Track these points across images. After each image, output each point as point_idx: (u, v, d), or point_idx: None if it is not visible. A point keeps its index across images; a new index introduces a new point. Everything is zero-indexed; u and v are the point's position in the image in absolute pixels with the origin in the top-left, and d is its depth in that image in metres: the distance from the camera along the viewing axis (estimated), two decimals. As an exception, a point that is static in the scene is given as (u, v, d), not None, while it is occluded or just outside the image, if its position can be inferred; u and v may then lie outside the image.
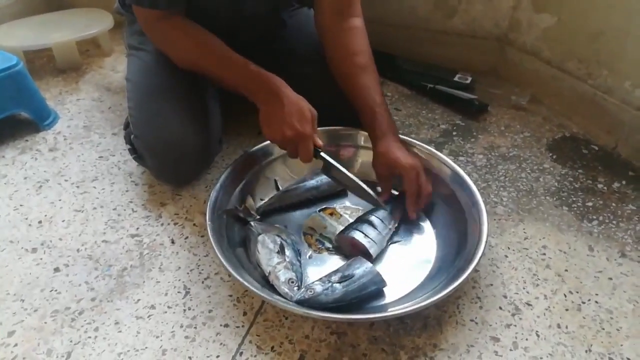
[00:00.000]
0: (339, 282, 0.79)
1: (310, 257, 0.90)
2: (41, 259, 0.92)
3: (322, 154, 0.90)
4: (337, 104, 0.98)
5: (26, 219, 1.00)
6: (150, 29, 0.99)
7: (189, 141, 0.97)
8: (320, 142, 0.90)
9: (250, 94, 0.92)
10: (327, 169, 0.92)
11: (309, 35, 1.10)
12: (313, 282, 0.80)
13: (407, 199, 0.92)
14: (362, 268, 0.81)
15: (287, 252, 0.85)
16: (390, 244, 0.92)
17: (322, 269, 0.87)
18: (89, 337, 0.79)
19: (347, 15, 1.03)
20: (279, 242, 0.86)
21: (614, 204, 1.06)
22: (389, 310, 0.79)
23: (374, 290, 0.81)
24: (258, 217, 0.94)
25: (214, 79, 0.99)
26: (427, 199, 0.93)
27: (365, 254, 0.85)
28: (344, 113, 1.00)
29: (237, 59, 0.93)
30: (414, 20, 1.53)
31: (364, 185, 0.91)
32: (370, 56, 1.02)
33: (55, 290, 0.86)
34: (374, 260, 0.87)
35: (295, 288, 0.80)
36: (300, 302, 0.77)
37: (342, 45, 1.02)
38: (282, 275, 0.81)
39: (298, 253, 0.88)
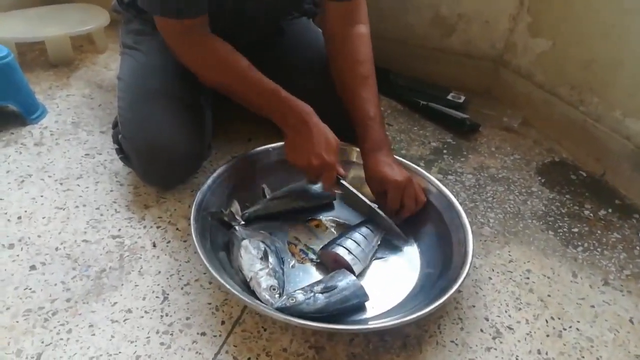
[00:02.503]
0: (322, 293, 0.78)
1: (293, 266, 0.89)
2: (18, 255, 0.90)
3: (343, 182, 0.93)
4: (334, 117, 0.98)
5: (5, 213, 0.98)
6: (176, 45, 0.96)
7: (179, 147, 0.96)
8: (342, 171, 0.92)
9: (279, 120, 0.93)
10: (348, 197, 0.96)
11: (307, 46, 1.10)
12: (295, 291, 0.79)
13: (387, 213, 0.93)
14: (345, 280, 0.80)
15: (271, 258, 0.84)
16: (374, 259, 0.91)
17: (304, 279, 0.86)
18: (61, 339, 0.76)
19: (353, 21, 1.03)
20: (263, 248, 0.85)
21: (599, 232, 1.06)
22: (370, 324, 0.78)
23: (356, 303, 0.80)
24: (243, 222, 0.93)
25: (239, 101, 0.97)
26: (410, 212, 0.94)
27: (348, 271, 0.84)
28: (341, 126, 0.99)
29: (268, 85, 0.93)
30: (410, 37, 1.53)
31: (382, 214, 0.93)
32: (371, 65, 1.02)
33: (30, 289, 0.84)
34: (357, 276, 0.86)
35: (277, 295, 0.79)
36: (281, 310, 0.75)
37: (346, 53, 1.02)
38: (264, 282, 0.80)
39: (281, 260, 0.87)
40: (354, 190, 0.93)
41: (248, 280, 0.81)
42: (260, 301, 0.78)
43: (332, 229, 0.97)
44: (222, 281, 0.75)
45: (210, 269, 0.77)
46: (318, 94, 0.99)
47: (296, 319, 0.72)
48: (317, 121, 0.91)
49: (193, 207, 0.88)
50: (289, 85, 1.10)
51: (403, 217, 0.94)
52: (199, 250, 0.79)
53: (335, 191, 0.96)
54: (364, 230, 0.92)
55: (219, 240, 0.90)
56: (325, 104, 0.97)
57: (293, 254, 0.91)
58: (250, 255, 0.84)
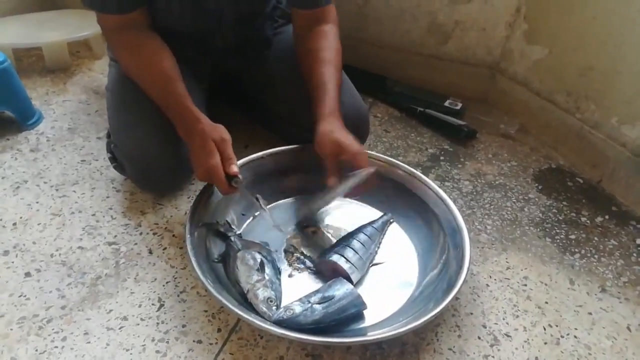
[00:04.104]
0: (319, 303, 0.77)
1: (290, 275, 0.89)
2: (12, 262, 0.89)
3: (233, 182, 0.86)
4: None
5: (0, 219, 0.97)
6: (106, 38, 1.00)
7: (165, 149, 0.96)
8: (234, 170, 0.86)
9: (179, 132, 0.91)
10: (244, 196, 0.92)
11: (293, 55, 1.09)
12: (292, 303, 0.78)
13: (343, 181, 0.90)
14: (342, 290, 0.80)
15: (267, 269, 0.83)
16: (372, 265, 0.91)
17: (302, 289, 0.85)
18: (56, 347, 0.76)
19: (320, 22, 1.04)
20: (259, 259, 0.84)
21: (596, 238, 1.06)
22: (368, 334, 0.77)
23: (354, 312, 0.79)
24: (239, 232, 0.93)
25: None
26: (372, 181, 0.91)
27: (346, 279, 0.84)
28: None
29: (174, 91, 0.91)
30: (407, 44, 1.54)
31: (268, 214, 0.91)
32: (335, 53, 1.01)
33: (24, 296, 0.83)
34: (354, 284, 0.85)
35: (274, 307, 0.78)
36: (279, 322, 0.75)
37: (309, 45, 1.02)
38: (261, 294, 0.79)
39: (278, 271, 0.86)
40: (246, 191, 0.90)
41: (245, 292, 0.81)
42: (258, 313, 0.77)
43: (329, 235, 0.96)
44: (218, 296, 0.74)
45: (205, 282, 0.76)
46: (304, 104, 0.99)
47: (292, 333, 0.72)
48: (200, 127, 0.87)
49: (187, 219, 0.86)
50: (276, 95, 1.09)
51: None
52: (194, 265, 0.78)
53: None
54: (361, 237, 0.91)
55: (215, 252, 0.89)
56: (309, 113, 0.97)
57: (290, 263, 0.91)
58: (247, 266, 0.83)
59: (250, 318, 0.73)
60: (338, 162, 0.90)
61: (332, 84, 0.97)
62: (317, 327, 0.75)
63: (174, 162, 0.98)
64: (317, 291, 0.81)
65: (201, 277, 0.76)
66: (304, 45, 1.04)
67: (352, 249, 0.88)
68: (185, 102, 0.90)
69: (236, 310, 0.73)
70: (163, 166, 0.98)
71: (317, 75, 0.98)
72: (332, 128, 0.91)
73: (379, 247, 0.94)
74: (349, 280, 0.84)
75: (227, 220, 0.93)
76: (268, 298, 0.78)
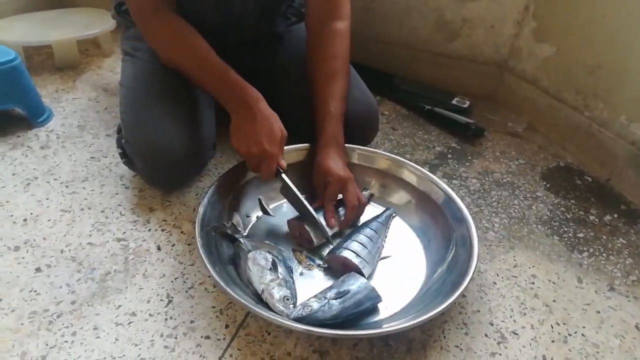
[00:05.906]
0: (335, 299, 0.77)
1: (301, 273, 0.89)
2: (23, 257, 0.90)
3: (283, 175, 0.92)
4: None
5: (11, 216, 0.99)
6: (140, 21, 0.99)
7: (178, 146, 0.96)
8: (283, 164, 0.91)
9: (225, 102, 0.93)
10: (285, 191, 0.94)
11: (304, 53, 1.09)
12: (309, 299, 0.78)
13: (325, 206, 0.93)
14: (357, 284, 0.80)
15: (280, 268, 0.83)
16: (380, 259, 0.91)
17: (314, 286, 0.85)
18: (66, 342, 0.77)
19: (333, 17, 1.04)
20: (271, 259, 0.84)
21: (604, 237, 1.06)
22: (381, 327, 0.77)
23: (369, 305, 0.80)
24: (245, 233, 0.93)
25: (194, 82, 0.98)
26: (352, 213, 0.93)
27: (357, 273, 0.84)
28: None
29: (218, 64, 0.93)
30: (414, 41, 1.54)
31: (314, 214, 0.91)
32: (344, 61, 1.02)
33: (35, 291, 0.84)
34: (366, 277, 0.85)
35: (291, 305, 0.78)
36: (298, 320, 0.75)
37: (318, 48, 1.03)
38: (277, 293, 0.79)
39: (290, 270, 0.86)
40: (292, 186, 0.92)
41: (260, 292, 0.80)
42: (276, 313, 0.77)
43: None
44: (230, 292, 0.74)
45: (216, 277, 0.76)
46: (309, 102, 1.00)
47: (299, 325, 0.72)
48: (264, 108, 0.89)
49: (197, 221, 0.86)
50: (287, 92, 1.10)
51: (348, 218, 0.93)
52: (205, 260, 0.79)
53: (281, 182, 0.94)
54: (368, 231, 0.92)
55: (224, 254, 0.89)
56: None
57: (300, 262, 0.91)
58: (259, 266, 0.83)
59: (259, 310, 0.73)
60: (326, 190, 0.94)
61: (334, 105, 0.98)
62: (335, 322, 0.75)
63: (186, 157, 0.99)
64: (331, 287, 0.81)
65: (211, 270, 0.77)
66: (315, 45, 1.04)
67: (361, 243, 0.88)
68: (237, 77, 0.92)
69: (244, 302, 0.73)
70: (175, 162, 0.98)
71: (324, 95, 0.99)
72: (323, 157, 0.94)
73: (384, 241, 0.94)
74: (361, 274, 0.84)
75: (232, 223, 0.93)
76: (284, 297, 0.78)
